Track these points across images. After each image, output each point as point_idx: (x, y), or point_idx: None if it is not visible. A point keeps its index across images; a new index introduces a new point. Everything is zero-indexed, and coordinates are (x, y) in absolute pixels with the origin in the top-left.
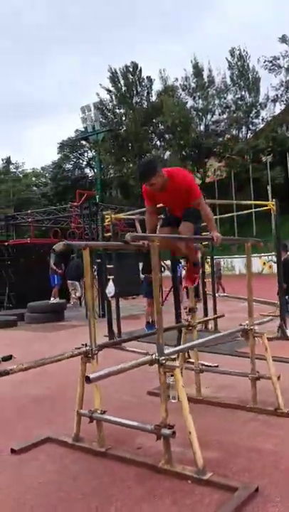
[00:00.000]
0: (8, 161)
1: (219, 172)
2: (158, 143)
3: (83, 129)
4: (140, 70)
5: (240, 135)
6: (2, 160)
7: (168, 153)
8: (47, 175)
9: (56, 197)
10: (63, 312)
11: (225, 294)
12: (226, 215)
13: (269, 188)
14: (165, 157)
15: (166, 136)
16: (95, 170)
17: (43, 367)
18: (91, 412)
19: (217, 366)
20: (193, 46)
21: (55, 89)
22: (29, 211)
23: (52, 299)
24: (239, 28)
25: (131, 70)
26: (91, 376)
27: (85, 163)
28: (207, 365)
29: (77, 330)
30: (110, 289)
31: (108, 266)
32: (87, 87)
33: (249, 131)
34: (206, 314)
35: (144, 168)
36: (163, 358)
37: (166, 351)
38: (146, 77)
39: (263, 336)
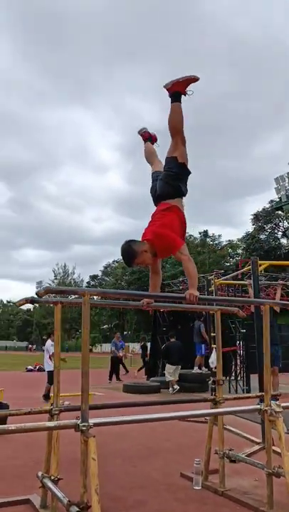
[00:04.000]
0: (205, 234)
1: None
2: None
3: (277, 199)
4: None
5: None
6: (200, 233)
7: None
8: (243, 246)
9: None
10: (207, 383)
11: None
12: None
13: None
14: None
15: None
16: None
17: None
18: (42, 477)
19: None
20: None
21: (251, 164)
22: (181, 279)
23: (195, 368)
24: None
25: None
26: None
27: (280, 233)
28: None
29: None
30: (213, 359)
31: (212, 334)
32: (280, 158)
33: None
34: None
35: (124, 257)
36: (84, 424)
37: (94, 420)
38: None
39: (277, 420)
